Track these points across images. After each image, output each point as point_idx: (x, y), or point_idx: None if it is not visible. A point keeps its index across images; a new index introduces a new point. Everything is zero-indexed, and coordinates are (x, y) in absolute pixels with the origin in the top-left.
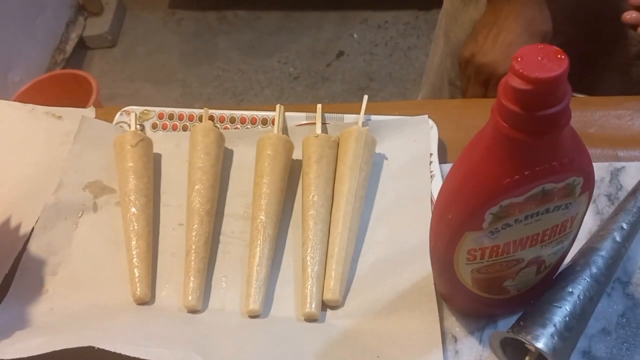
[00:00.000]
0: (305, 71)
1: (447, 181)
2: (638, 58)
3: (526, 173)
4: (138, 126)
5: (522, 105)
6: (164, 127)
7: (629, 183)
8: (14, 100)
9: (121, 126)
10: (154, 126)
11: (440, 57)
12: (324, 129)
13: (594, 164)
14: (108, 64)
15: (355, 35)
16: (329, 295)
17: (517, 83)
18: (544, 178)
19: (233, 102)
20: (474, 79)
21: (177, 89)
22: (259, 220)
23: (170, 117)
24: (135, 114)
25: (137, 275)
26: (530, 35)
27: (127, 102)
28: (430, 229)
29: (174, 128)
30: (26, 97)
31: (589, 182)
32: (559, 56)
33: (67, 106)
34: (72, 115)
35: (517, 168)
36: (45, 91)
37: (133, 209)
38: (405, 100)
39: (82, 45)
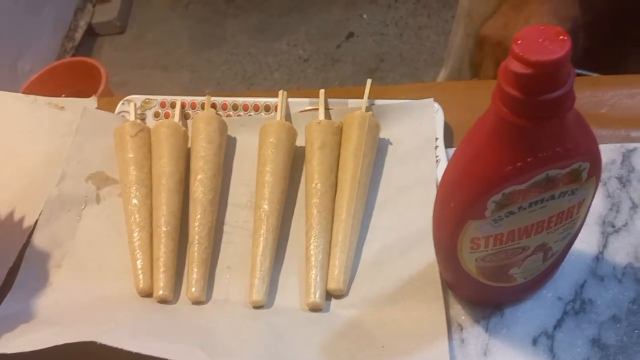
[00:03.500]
0: (314, 53)
1: (448, 169)
2: None
3: (529, 160)
4: (139, 116)
5: (523, 89)
6: (167, 116)
7: None
8: (25, 89)
9: (123, 116)
10: (156, 115)
11: (461, 37)
12: (328, 115)
13: (605, 145)
14: (117, 50)
15: (364, 16)
16: (333, 285)
17: (517, 67)
18: (548, 164)
19: (243, 86)
20: (501, 60)
21: (186, 75)
22: (262, 210)
23: (172, 105)
24: (135, 104)
25: (139, 267)
26: (559, 20)
27: (137, 88)
28: (433, 217)
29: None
30: (36, 86)
31: (595, 167)
32: (560, 37)
33: (78, 94)
34: (74, 106)
35: (519, 155)
36: (55, 79)
37: (134, 201)
38: (411, 83)
39: (91, 33)
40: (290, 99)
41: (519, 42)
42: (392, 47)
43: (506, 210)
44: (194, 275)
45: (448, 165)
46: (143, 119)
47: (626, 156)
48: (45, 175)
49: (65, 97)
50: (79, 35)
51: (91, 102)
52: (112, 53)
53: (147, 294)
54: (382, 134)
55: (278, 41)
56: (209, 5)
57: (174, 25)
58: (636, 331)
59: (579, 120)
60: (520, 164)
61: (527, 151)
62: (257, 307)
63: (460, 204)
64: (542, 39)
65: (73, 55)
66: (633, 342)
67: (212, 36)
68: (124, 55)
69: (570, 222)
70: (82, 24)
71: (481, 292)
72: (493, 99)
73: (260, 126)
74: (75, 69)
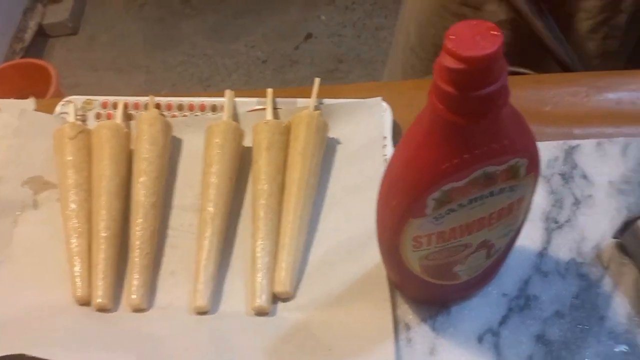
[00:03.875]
0: (272, 54)
1: (389, 168)
2: (593, 32)
3: (465, 156)
4: (80, 117)
5: (456, 85)
6: (108, 117)
7: (583, 161)
8: None
9: (63, 117)
10: (98, 116)
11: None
12: (276, 114)
13: (548, 142)
14: (70, 52)
15: (322, 17)
16: (279, 288)
17: (450, 62)
18: (485, 161)
19: (199, 88)
20: None
21: (141, 76)
22: (207, 212)
23: (114, 106)
24: (75, 105)
25: (77, 274)
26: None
27: (90, 91)
28: (376, 217)
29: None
30: None
31: (534, 164)
32: (492, 32)
33: (28, 95)
34: (11, 107)
35: (455, 151)
36: (3, 82)
37: (73, 205)
38: (361, 82)
39: (42, 34)
40: (237, 99)
41: (451, 37)
42: (350, 48)
43: (446, 207)
44: (135, 282)
45: (388, 164)
46: (84, 121)
47: (569, 153)
48: None
49: (15, 98)
50: (28, 36)
51: (29, 103)
52: (64, 54)
53: (85, 302)
54: (331, 134)
55: (235, 42)
56: (164, 6)
57: (128, 26)
58: (579, 326)
59: (515, 117)
60: (457, 160)
61: (463, 148)
62: (201, 312)
63: (401, 203)
64: (475, 35)
65: (23, 57)
66: (576, 337)
67: (168, 37)
68: (77, 56)
69: (511, 218)
70: (32, 25)
71: (426, 290)
72: (429, 96)
73: (206, 127)
74: (25, 71)
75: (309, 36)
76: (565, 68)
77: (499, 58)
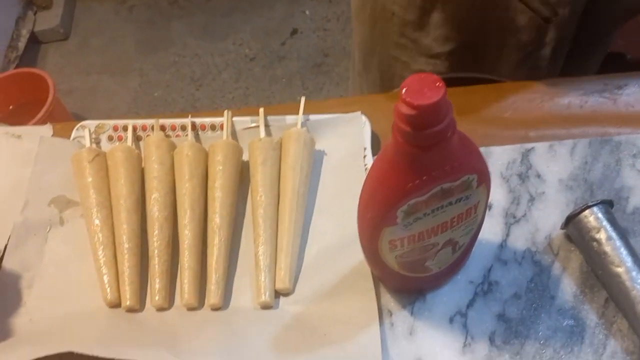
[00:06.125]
0: (261, 51)
1: (364, 187)
2: (520, 63)
3: (424, 178)
4: (94, 140)
5: (411, 126)
6: (120, 139)
7: (537, 162)
8: None
9: (79, 141)
10: (110, 138)
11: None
12: (268, 131)
13: (507, 146)
14: (63, 57)
15: (307, 12)
16: (280, 285)
17: (405, 109)
18: (440, 180)
19: (192, 87)
20: None
21: (135, 79)
22: (213, 222)
23: (125, 128)
24: (90, 130)
25: (106, 281)
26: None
27: (86, 95)
28: (357, 225)
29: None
30: None
31: (483, 177)
32: (437, 84)
33: (26, 105)
34: (30, 134)
35: (416, 174)
36: (2, 91)
37: (97, 221)
38: (340, 97)
39: (35, 41)
40: (234, 118)
41: (404, 89)
42: (336, 41)
43: (413, 217)
44: (157, 285)
45: (364, 183)
46: (98, 143)
47: (525, 155)
48: (9, 203)
49: (13, 108)
50: (22, 44)
51: (47, 129)
52: (57, 60)
53: (115, 305)
54: (318, 146)
55: (224, 41)
56: (153, 7)
57: (119, 29)
58: (533, 305)
59: (463, 141)
60: (418, 181)
61: (422, 171)
62: (215, 309)
63: (375, 215)
64: (422, 86)
65: (18, 65)
66: (531, 314)
67: (158, 39)
68: (70, 62)
69: (470, 220)
70: (25, 32)
71: (404, 282)
72: (392, 131)
73: (207, 145)
74: (22, 81)
75: (294, 32)
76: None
77: (443, 103)
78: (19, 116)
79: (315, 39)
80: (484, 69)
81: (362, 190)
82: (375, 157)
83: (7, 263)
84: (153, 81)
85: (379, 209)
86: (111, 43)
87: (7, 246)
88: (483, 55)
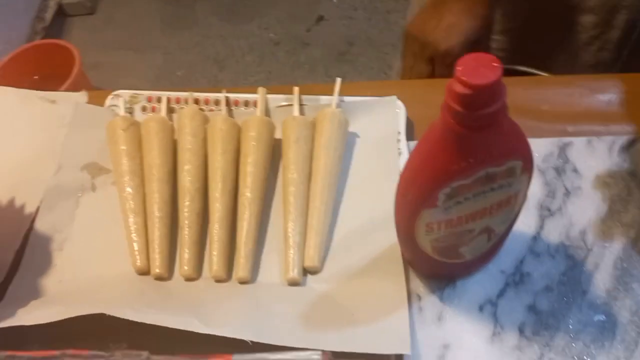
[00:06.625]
0: (285, 36)
1: (406, 166)
2: (588, 44)
3: (471, 160)
4: (127, 110)
5: (464, 106)
6: (153, 110)
7: (574, 157)
8: None
9: (112, 109)
10: (144, 109)
11: None
12: (302, 110)
13: (545, 139)
14: (88, 31)
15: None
16: (309, 263)
17: (459, 88)
18: (486, 164)
19: (215, 69)
20: (419, 55)
21: (159, 57)
22: (245, 197)
23: (158, 100)
24: (124, 99)
25: (136, 249)
26: (471, 18)
27: (110, 71)
28: (395, 206)
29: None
30: (10, 68)
31: (527, 164)
32: (493, 64)
33: (50, 76)
34: (65, 99)
35: (463, 156)
36: (28, 62)
37: (129, 189)
38: (379, 67)
39: (61, 13)
40: (267, 95)
41: (460, 68)
42: (361, 30)
43: (454, 200)
44: (186, 256)
45: (405, 163)
46: (131, 113)
47: (562, 149)
48: (43, 165)
49: (38, 78)
50: (49, 15)
51: (82, 96)
52: (82, 34)
53: (144, 272)
54: (351, 128)
55: (249, 24)
56: None
57: (144, 6)
58: (564, 298)
59: (512, 127)
60: (464, 163)
61: (469, 153)
62: (243, 282)
63: (416, 196)
64: (479, 65)
65: (44, 37)
66: (562, 307)
67: (183, 17)
68: (95, 36)
69: (508, 208)
70: (52, 4)
71: (436, 267)
72: (442, 111)
73: (241, 121)
74: (48, 52)
75: (320, 18)
76: None
77: (499, 84)
78: (43, 87)
79: (341, 27)
80: (540, 56)
81: (404, 171)
82: (422, 136)
83: (39, 224)
84: (177, 60)
85: (421, 189)
86: (136, 19)
87: (40, 208)
88: (541, 38)
